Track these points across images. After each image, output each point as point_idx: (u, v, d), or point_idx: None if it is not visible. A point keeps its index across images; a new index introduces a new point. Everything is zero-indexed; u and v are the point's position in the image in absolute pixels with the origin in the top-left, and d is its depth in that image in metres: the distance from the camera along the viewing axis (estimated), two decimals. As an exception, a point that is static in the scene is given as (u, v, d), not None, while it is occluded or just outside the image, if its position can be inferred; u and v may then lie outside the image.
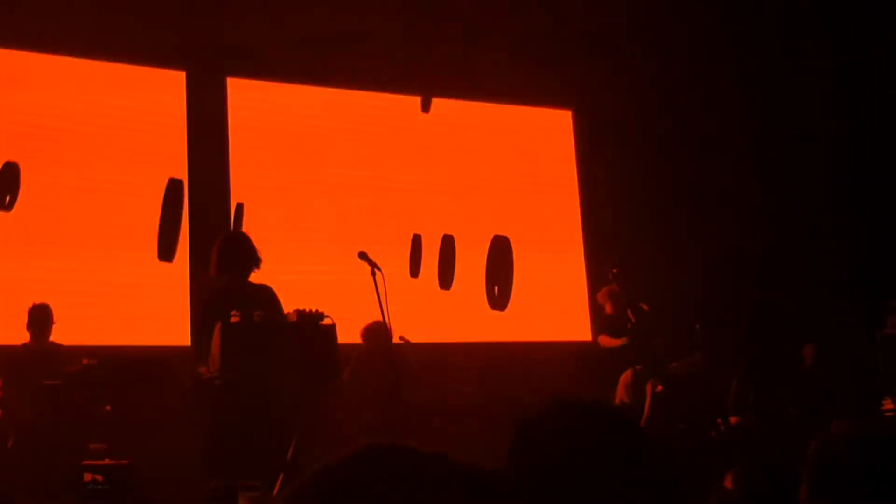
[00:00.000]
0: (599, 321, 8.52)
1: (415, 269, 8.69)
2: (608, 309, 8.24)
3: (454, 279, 8.85)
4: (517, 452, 1.56)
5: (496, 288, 9.05)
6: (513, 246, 9.16)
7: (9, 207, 7.41)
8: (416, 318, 7.91)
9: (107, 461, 4.98)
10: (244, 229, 7.74)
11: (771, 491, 3.01)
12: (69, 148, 7.74)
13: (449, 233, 8.90)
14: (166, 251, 7.80)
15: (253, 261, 6.03)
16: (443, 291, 8.76)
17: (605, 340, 8.06)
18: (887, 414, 7.30)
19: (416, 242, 8.73)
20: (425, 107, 8.94)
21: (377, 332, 7.29)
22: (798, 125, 9.88)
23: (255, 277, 6.06)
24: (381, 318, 6.88)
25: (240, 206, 8.19)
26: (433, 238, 8.84)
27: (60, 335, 6.78)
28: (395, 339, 6.28)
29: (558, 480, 1.50)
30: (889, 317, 8.54)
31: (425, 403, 7.30)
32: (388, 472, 0.93)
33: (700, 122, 9.63)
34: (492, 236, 9.09)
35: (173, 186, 7.94)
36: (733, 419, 6.98)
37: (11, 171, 7.43)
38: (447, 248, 8.88)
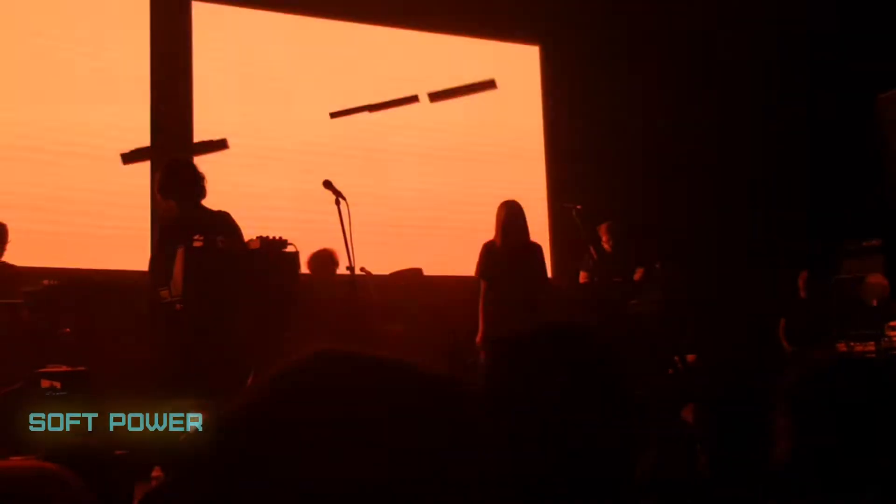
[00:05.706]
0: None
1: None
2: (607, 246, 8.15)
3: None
4: (495, 373, 1.56)
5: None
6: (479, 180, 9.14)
7: None
8: (378, 250, 7.91)
9: (64, 368, 4.92)
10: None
11: (730, 423, 3.04)
12: (28, 73, 7.55)
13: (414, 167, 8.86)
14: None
15: (198, 188, 5.94)
16: (406, 225, 8.72)
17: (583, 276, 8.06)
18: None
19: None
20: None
21: (323, 262, 7.25)
22: (763, 59, 9.88)
23: (217, 204, 5.98)
24: (327, 248, 6.91)
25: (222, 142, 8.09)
26: (400, 171, 8.79)
27: (16, 257, 6.67)
28: (357, 271, 6.24)
29: (535, 400, 1.50)
30: (844, 261, 8.65)
31: (387, 336, 7.30)
32: (346, 376, 0.88)
33: (668, 60, 9.59)
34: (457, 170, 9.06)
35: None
36: (690, 357, 7.09)
37: None
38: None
